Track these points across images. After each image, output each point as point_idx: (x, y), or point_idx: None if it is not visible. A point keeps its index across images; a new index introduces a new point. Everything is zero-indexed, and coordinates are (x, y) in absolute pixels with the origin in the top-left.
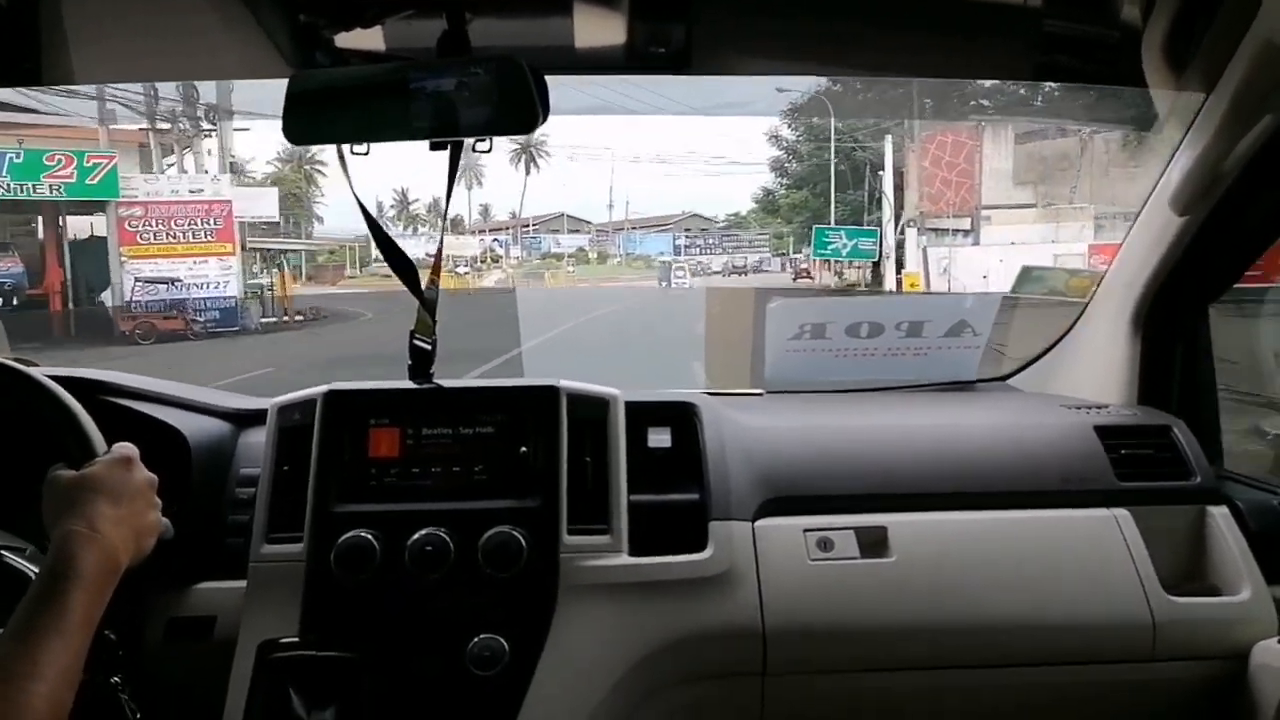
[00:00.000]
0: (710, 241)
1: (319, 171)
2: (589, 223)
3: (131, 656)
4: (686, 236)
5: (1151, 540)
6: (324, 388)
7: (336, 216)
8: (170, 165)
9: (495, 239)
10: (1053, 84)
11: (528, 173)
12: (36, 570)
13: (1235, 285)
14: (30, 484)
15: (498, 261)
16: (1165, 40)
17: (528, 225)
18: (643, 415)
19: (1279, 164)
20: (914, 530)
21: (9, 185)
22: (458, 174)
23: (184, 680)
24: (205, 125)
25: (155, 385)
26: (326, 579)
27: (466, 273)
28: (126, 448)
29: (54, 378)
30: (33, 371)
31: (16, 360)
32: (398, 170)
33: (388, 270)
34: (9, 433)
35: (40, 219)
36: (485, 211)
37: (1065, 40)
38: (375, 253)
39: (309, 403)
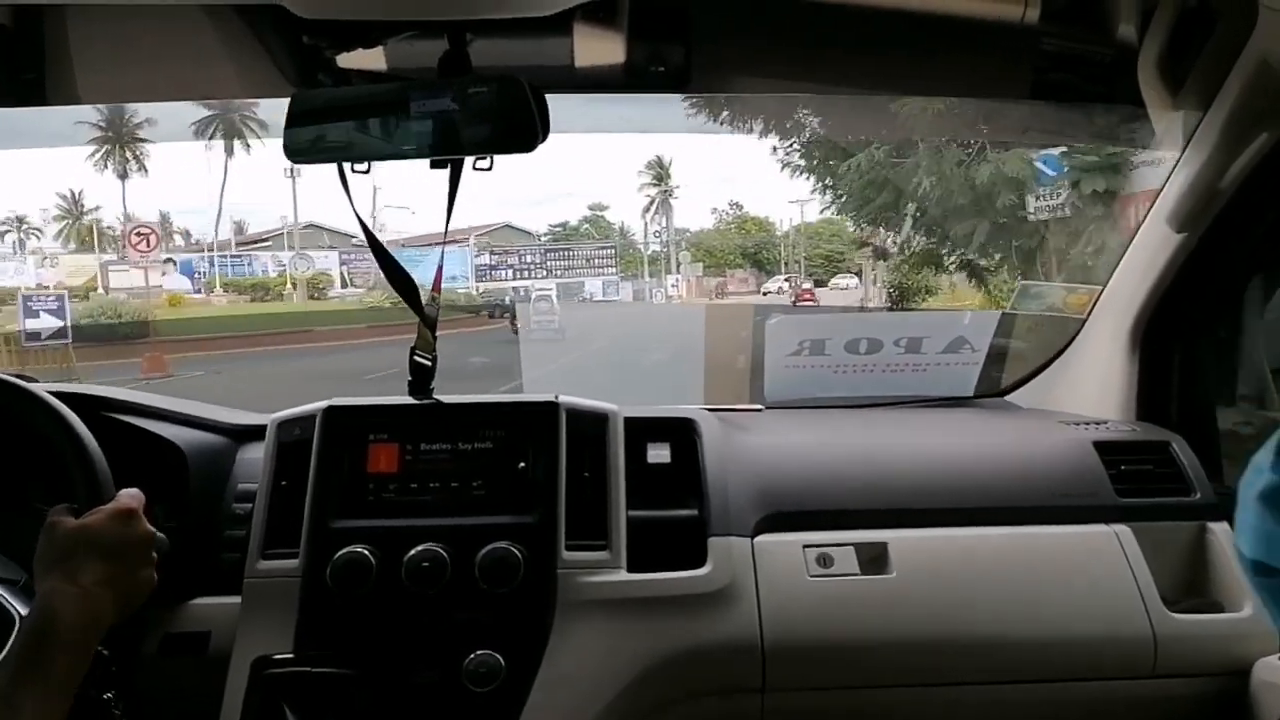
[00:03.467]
0: (530, 260)
1: None
2: (349, 236)
3: (125, 672)
4: (492, 254)
5: (1152, 556)
6: (324, 403)
7: None
8: None
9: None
10: (1049, 102)
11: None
12: (22, 611)
13: None
14: (28, 503)
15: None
16: (1161, 59)
17: (260, 240)
18: (642, 431)
19: (1275, 182)
20: (914, 546)
21: None
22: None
23: (178, 697)
24: None
25: (154, 400)
26: (322, 594)
27: None
28: (132, 498)
29: (55, 394)
30: (42, 393)
31: (18, 377)
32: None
33: None
34: (10, 453)
35: None
36: (240, 227)
37: (1062, 59)
38: None
39: (308, 418)
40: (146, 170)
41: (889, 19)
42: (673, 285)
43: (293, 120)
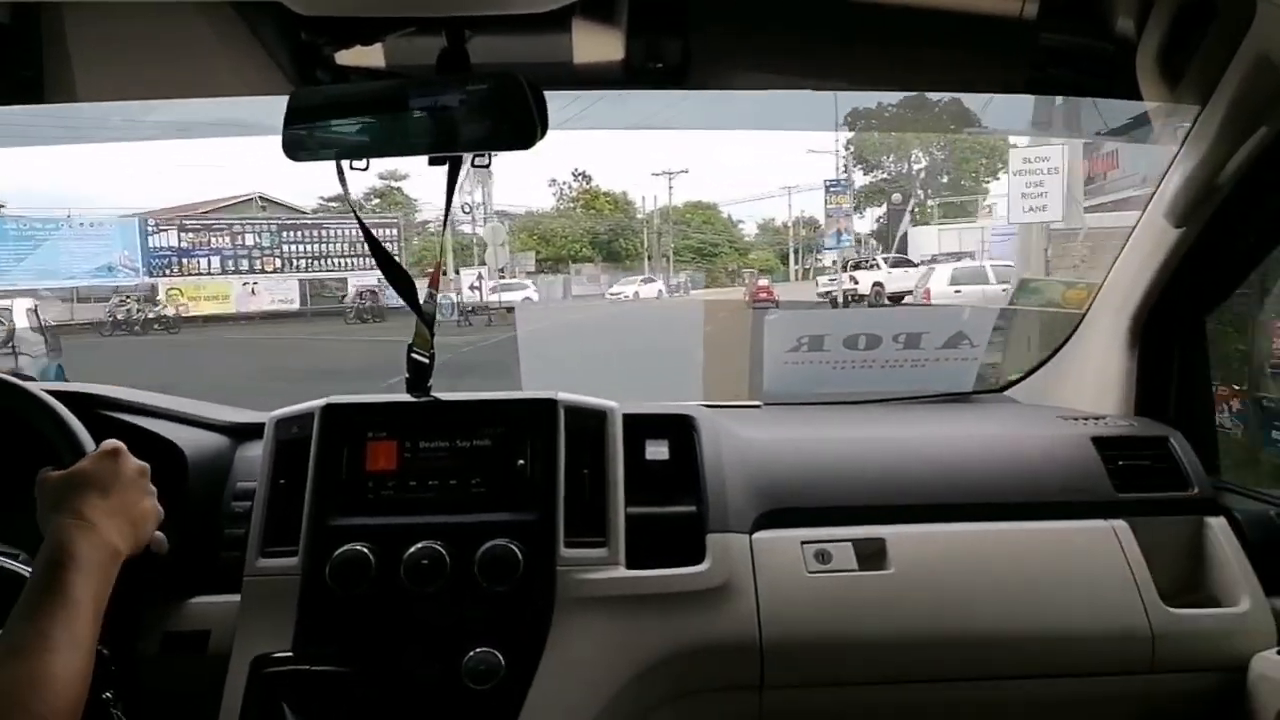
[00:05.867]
0: (252, 243)
1: None
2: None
3: (125, 671)
4: (184, 232)
5: (1149, 551)
6: (322, 401)
7: None
8: None
9: None
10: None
11: None
12: (29, 572)
13: None
14: (21, 491)
15: None
16: (1160, 54)
17: None
18: (640, 427)
19: (1273, 176)
20: (912, 542)
21: None
22: None
23: (178, 695)
24: None
25: (152, 399)
26: (321, 592)
27: None
28: (113, 441)
29: (50, 392)
30: (16, 380)
31: (8, 374)
32: None
33: None
34: (8, 454)
35: None
36: None
37: (1061, 53)
38: None
39: (306, 416)
40: None
41: (888, 14)
42: (470, 287)
43: (292, 118)
